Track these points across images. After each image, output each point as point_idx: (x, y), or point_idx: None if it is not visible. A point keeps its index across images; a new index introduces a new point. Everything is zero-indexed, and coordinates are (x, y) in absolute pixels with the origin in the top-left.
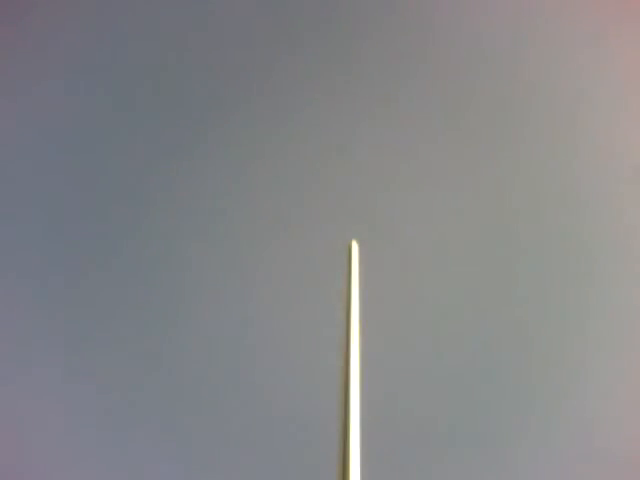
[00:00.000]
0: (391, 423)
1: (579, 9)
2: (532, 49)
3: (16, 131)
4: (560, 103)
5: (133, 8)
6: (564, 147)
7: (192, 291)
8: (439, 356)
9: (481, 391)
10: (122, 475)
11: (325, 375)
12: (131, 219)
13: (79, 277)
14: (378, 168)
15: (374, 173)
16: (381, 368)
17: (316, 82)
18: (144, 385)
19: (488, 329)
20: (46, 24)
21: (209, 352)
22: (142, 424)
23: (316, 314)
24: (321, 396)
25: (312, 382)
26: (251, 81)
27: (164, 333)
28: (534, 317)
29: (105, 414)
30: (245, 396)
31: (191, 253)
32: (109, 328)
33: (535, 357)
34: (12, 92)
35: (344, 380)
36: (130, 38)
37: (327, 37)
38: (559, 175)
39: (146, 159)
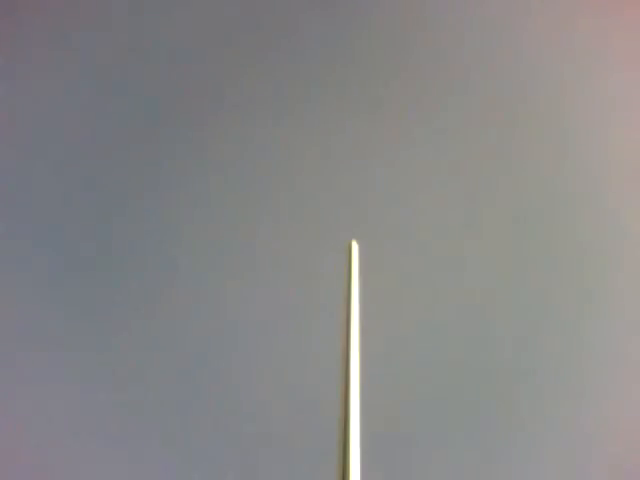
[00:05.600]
0: (391, 423)
1: (579, 7)
2: (533, 49)
3: (15, 131)
4: (560, 102)
5: (133, 8)
6: (564, 146)
7: (192, 291)
8: (439, 356)
9: (481, 391)
10: (123, 474)
11: (325, 375)
12: (130, 220)
13: (78, 275)
14: (378, 168)
15: (374, 174)
16: (381, 368)
17: (317, 82)
18: (144, 385)
19: (487, 329)
20: (46, 24)
21: (209, 352)
22: (142, 424)
23: (316, 314)
24: (321, 396)
25: (312, 382)
26: (251, 81)
27: (164, 333)
28: (534, 317)
29: (106, 414)
30: (245, 396)
31: (191, 254)
32: (112, 332)
33: (535, 358)
34: (11, 92)
35: (344, 380)
36: (129, 39)
37: (327, 38)
38: (559, 174)
39: (145, 159)
